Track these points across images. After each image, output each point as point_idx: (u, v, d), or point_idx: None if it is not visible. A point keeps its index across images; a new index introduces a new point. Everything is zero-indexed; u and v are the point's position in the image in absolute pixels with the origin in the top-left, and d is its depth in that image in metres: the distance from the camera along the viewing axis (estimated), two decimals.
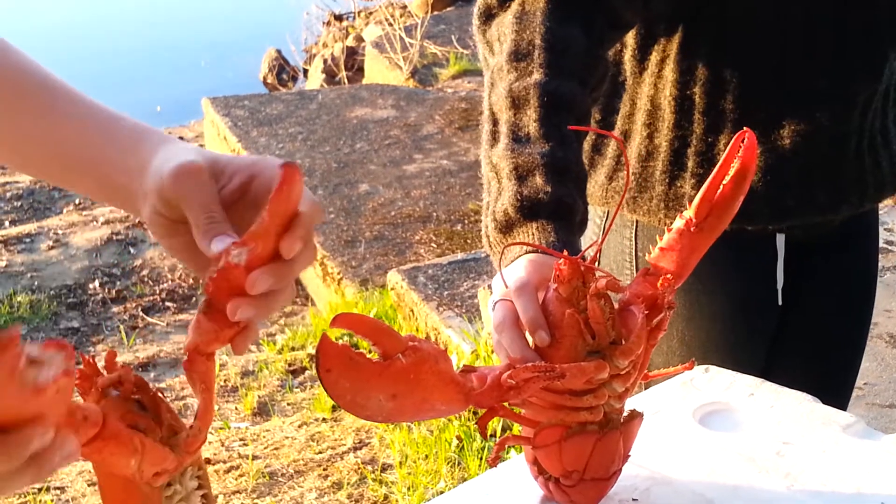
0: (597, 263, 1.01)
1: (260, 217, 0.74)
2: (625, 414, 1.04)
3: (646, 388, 1.32)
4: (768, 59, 1.36)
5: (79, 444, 0.68)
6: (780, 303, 1.50)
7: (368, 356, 0.88)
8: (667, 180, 1.42)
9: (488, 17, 1.29)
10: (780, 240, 1.45)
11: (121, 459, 0.77)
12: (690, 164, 1.40)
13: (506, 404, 0.97)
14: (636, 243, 1.48)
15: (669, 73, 1.39)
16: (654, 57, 1.40)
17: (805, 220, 1.44)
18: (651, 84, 1.41)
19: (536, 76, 1.19)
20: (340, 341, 0.85)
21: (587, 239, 1.36)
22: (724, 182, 1.02)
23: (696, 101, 1.38)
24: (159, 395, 0.82)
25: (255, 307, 0.76)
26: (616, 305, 1.00)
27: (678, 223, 1.03)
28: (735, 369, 1.32)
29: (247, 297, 0.76)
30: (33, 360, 0.59)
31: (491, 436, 2.91)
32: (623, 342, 0.97)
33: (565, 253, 0.99)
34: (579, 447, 1.01)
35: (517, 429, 1.07)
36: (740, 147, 1.00)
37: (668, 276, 1.00)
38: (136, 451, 0.77)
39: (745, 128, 1.01)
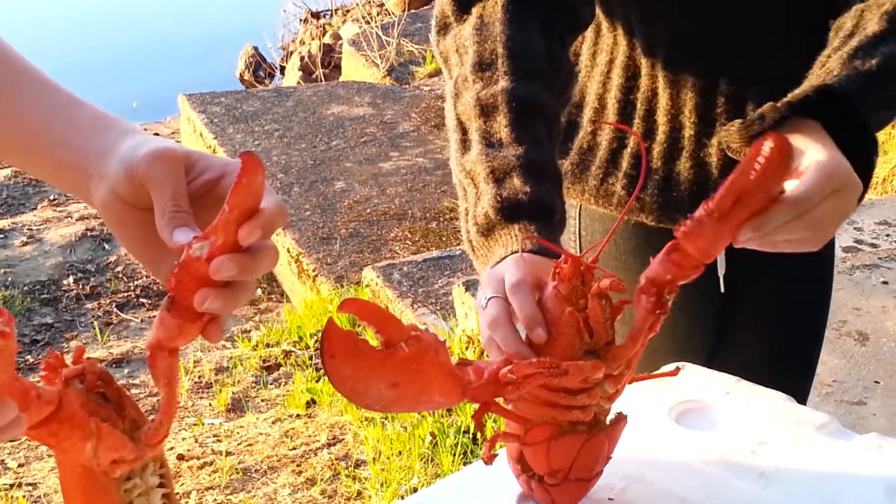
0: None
1: (221, 210, 0.74)
2: (611, 416, 1.04)
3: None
4: (697, 78, 1.39)
5: (23, 417, 0.68)
6: (722, 290, 1.52)
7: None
8: (600, 176, 1.47)
9: (444, 28, 1.31)
10: None
11: (77, 443, 0.77)
12: (625, 164, 1.45)
13: (498, 400, 0.97)
14: (580, 222, 1.54)
15: (616, 76, 1.44)
16: (603, 57, 1.45)
17: None
18: (600, 83, 1.47)
19: (503, 83, 1.20)
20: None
21: (564, 234, 1.38)
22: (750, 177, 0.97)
23: (637, 107, 1.44)
24: (123, 389, 0.82)
25: (222, 298, 0.77)
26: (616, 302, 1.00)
27: (700, 212, 0.98)
28: (681, 357, 1.33)
29: (213, 288, 0.76)
30: None
31: (464, 432, 2.92)
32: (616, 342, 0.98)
33: (565, 250, 0.99)
34: (567, 447, 1.01)
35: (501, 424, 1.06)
36: (763, 147, 0.96)
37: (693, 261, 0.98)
38: (92, 435, 0.77)
39: (773, 135, 0.97)
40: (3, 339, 0.62)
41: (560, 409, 0.99)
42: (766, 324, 1.58)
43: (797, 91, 1.14)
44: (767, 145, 0.96)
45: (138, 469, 0.83)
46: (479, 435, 2.77)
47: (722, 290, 1.52)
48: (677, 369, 1.11)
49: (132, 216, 0.82)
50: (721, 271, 1.50)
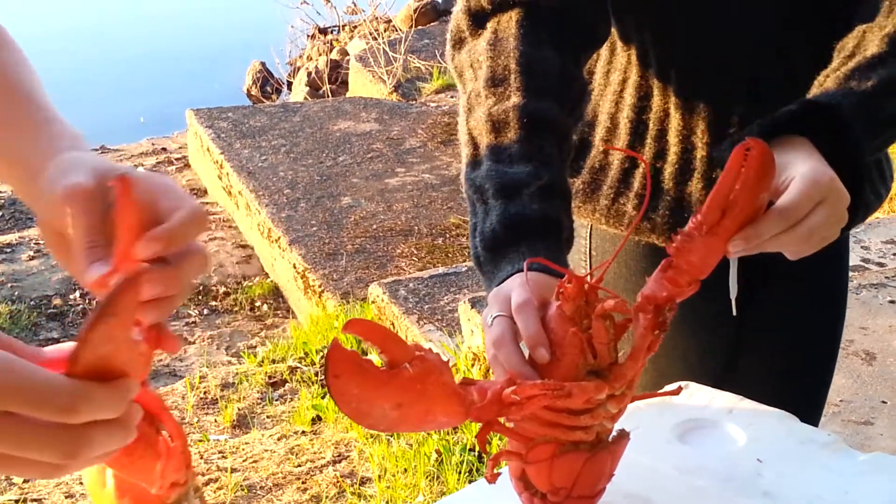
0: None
1: (117, 237, 0.76)
2: (614, 434, 1.04)
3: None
4: (710, 100, 1.38)
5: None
6: (734, 313, 1.51)
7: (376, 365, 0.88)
8: (612, 196, 1.46)
9: (459, 43, 1.31)
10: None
11: (147, 462, 0.78)
12: (636, 185, 1.44)
13: (501, 419, 0.97)
14: (590, 242, 1.54)
15: (628, 96, 1.43)
16: (616, 76, 1.45)
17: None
18: (613, 102, 1.46)
19: (515, 99, 1.20)
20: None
21: (574, 254, 1.38)
22: (736, 187, 1.00)
23: (650, 127, 1.43)
24: (169, 412, 0.83)
25: (156, 308, 0.78)
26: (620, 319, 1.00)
27: (687, 228, 1.01)
28: (693, 380, 1.33)
29: (143, 306, 0.77)
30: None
31: (470, 450, 2.91)
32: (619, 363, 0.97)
33: (569, 270, 0.99)
34: (570, 465, 1.01)
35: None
36: (745, 156, 0.99)
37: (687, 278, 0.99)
38: (161, 455, 0.79)
39: (748, 139, 1.00)
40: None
41: (563, 429, 0.99)
42: (779, 348, 1.56)
43: (785, 109, 1.14)
44: (746, 150, 0.98)
45: (185, 494, 0.85)
46: (484, 453, 2.77)
47: (734, 313, 1.51)
48: (679, 389, 1.11)
49: (65, 242, 0.82)
50: (733, 295, 1.49)
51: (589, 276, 1.00)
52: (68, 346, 0.73)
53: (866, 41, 1.22)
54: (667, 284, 0.99)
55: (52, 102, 0.95)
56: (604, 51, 1.45)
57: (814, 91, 1.21)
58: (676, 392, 1.11)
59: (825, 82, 1.20)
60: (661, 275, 1.00)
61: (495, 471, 1.01)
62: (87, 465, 0.68)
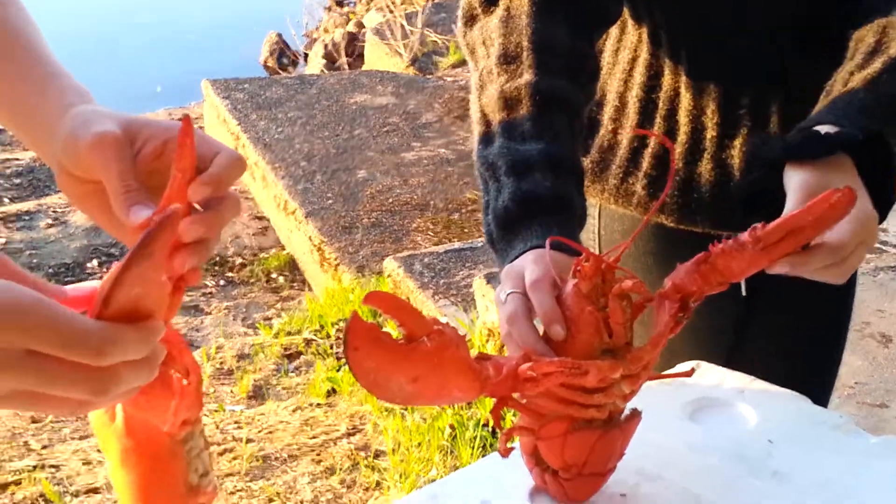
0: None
1: (171, 177, 0.78)
2: (626, 413, 1.05)
3: None
4: (720, 80, 1.39)
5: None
6: (744, 293, 1.52)
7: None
8: (620, 175, 1.47)
9: (471, 20, 1.32)
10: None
11: (162, 401, 0.80)
12: (645, 164, 1.45)
13: (515, 395, 0.98)
14: (599, 221, 1.54)
15: (638, 75, 1.43)
16: (626, 55, 1.45)
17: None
18: (622, 81, 1.46)
19: (527, 77, 1.20)
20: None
21: (583, 233, 1.39)
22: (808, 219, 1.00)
23: (659, 107, 1.43)
24: (188, 347, 0.85)
25: (196, 254, 0.80)
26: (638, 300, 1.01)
27: (742, 237, 1.01)
28: (701, 358, 1.34)
29: (186, 248, 0.79)
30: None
31: (483, 425, 2.94)
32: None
33: (586, 249, 1.00)
34: (582, 442, 1.02)
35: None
36: (833, 197, 0.99)
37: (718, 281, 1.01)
38: (175, 393, 0.80)
39: (847, 187, 0.99)
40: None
41: (576, 406, 0.99)
42: (787, 327, 1.57)
43: (827, 117, 1.14)
44: (837, 196, 0.98)
45: (191, 432, 0.86)
46: (498, 428, 2.78)
47: (744, 293, 1.51)
48: (692, 370, 1.12)
49: (89, 191, 0.84)
50: None
51: (606, 256, 1.00)
52: (90, 284, 0.75)
53: (889, 38, 1.22)
54: (698, 279, 1.00)
55: (56, 59, 0.96)
56: (613, 29, 1.45)
57: (837, 87, 1.20)
58: (689, 373, 1.11)
59: (851, 80, 1.20)
60: (694, 267, 1.00)
61: (508, 445, 1.01)
62: (113, 402, 0.70)
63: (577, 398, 0.98)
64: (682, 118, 1.41)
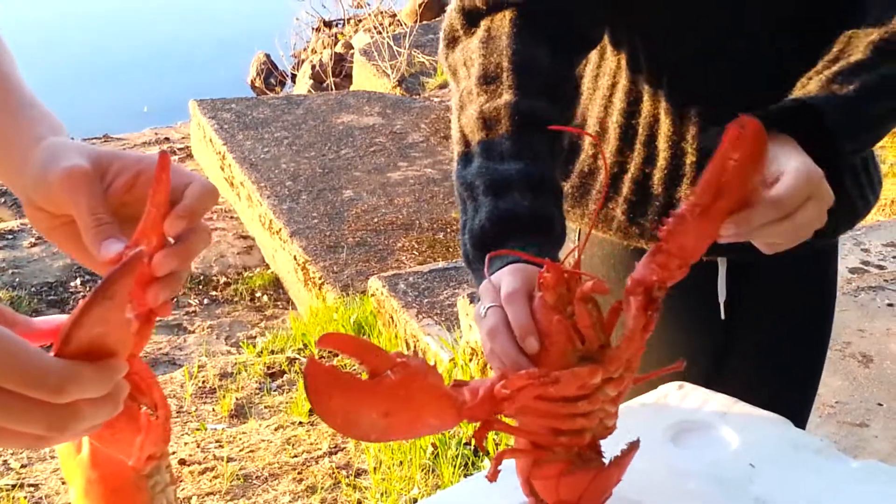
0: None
1: (146, 211, 0.78)
2: (623, 447, 1.03)
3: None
4: (700, 106, 1.38)
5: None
6: (723, 317, 1.51)
7: (358, 376, 0.88)
8: (600, 200, 1.46)
9: (453, 42, 1.32)
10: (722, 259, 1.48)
11: (128, 435, 0.80)
12: (625, 190, 1.44)
13: (501, 417, 0.97)
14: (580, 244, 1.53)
15: (617, 101, 1.43)
16: (606, 81, 1.44)
17: (735, 256, 1.46)
18: (602, 106, 1.45)
19: (507, 97, 1.20)
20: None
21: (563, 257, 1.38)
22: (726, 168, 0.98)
23: (639, 133, 1.42)
24: (157, 384, 0.84)
25: (169, 287, 0.81)
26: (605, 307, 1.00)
27: (680, 210, 0.99)
28: (682, 380, 1.33)
29: (159, 283, 0.80)
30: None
31: (465, 444, 2.93)
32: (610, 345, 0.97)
33: (547, 260, 0.98)
34: (577, 482, 1.01)
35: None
36: (739, 134, 0.98)
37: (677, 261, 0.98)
38: (142, 429, 0.80)
39: (742, 115, 0.99)
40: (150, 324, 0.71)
41: (562, 418, 0.98)
42: (766, 350, 1.56)
43: (772, 106, 1.15)
44: (741, 126, 0.97)
45: (156, 467, 0.86)
46: (482, 452, 2.78)
47: (723, 317, 1.51)
48: (682, 362, 1.08)
49: (59, 223, 0.84)
50: (721, 298, 1.49)
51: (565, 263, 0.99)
52: (59, 318, 0.74)
53: (851, 46, 1.23)
54: (656, 268, 0.98)
55: (28, 88, 0.95)
56: (593, 55, 1.45)
57: (797, 92, 1.21)
58: (679, 366, 1.08)
59: (808, 84, 1.20)
60: (650, 259, 0.99)
61: (497, 469, 0.99)
62: (72, 438, 0.69)
63: (560, 409, 0.97)
64: (662, 143, 1.41)
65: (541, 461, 1.01)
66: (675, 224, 0.98)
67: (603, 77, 1.44)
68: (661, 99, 1.39)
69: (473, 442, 2.78)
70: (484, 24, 1.27)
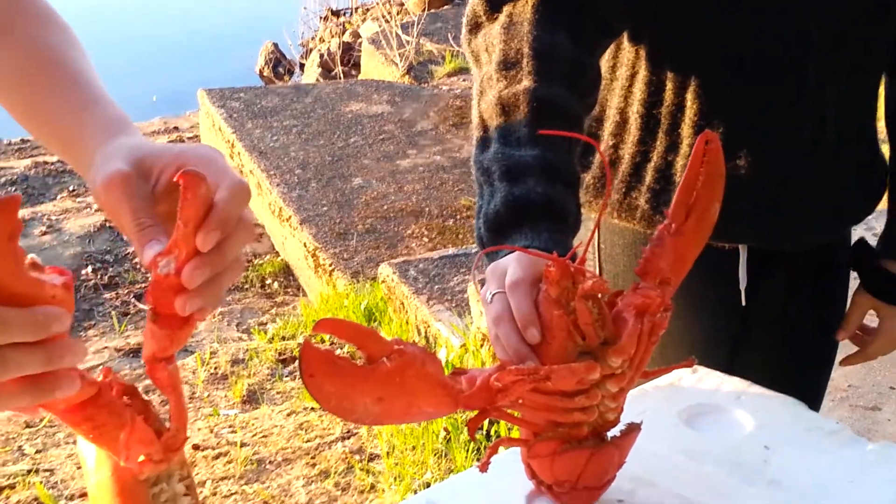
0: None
1: (176, 226, 0.77)
2: (622, 427, 1.03)
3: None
4: (724, 91, 1.38)
5: (83, 377, 0.73)
6: (743, 303, 1.52)
7: (354, 360, 0.88)
8: (623, 190, 1.46)
9: (476, 27, 1.31)
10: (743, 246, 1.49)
11: (111, 431, 0.79)
12: (648, 178, 1.44)
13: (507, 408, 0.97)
14: (598, 235, 1.53)
15: (637, 91, 1.42)
16: (624, 71, 1.43)
17: (757, 244, 1.47)
18: (621, 97, 1.45)
19: (526, 83, 1.20)
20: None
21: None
22: (698, 186, 1.02)
23: (661, 122, 1.41)
24: (148, 401, 0.84)
25: (201, 296, 0.79)
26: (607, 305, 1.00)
27: (658, 230, 1.03)
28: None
29: (190, 292, 0.78)
30: (35, 263, 0.68)
31: (478, 429, 2.94)
32: (615, 342, 0.97)
33: (554, 254, 0.98)
34: (572, 461, 1.01)
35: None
36: (704, 150, 1.00)
37: (658, 280, 1.00)
38: (126, 425, 0.79)
39: (705, 130, 1.02)
40: (66, 289, 0.69)
41: (559, 411, 0.98)
42: (783, 336, 1.57)
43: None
44: (703, 148, 1.00)
45: (164, 475, 0.85)
46: (492, 431, 2.79)
47: (743, 303, 1.51)
48: (692, 361, 1.10)
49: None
50: (742, 285, 1.49)
51: (577, 256, 0.99)
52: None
53: None
54: (639, 296, 0.99)
55: (99, 82, 0.97)
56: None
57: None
58: (690, 363, 1.10)
59: None
60: (634, 286, 1.01)
61: (489, 459, 1.00)
62: (3, 390, 0.69)
63: (558, 403, 0.97)
64: (686, 130, 1.40)
65: (534, 441, 1.01)
66: (656, 247, 1.01)
67: (621, 67, 1.44)
68: (686, 87, 1.38)
69: (486, 426, 2.79)
70: (506, 9, 1.27)
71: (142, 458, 0.82)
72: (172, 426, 0.83)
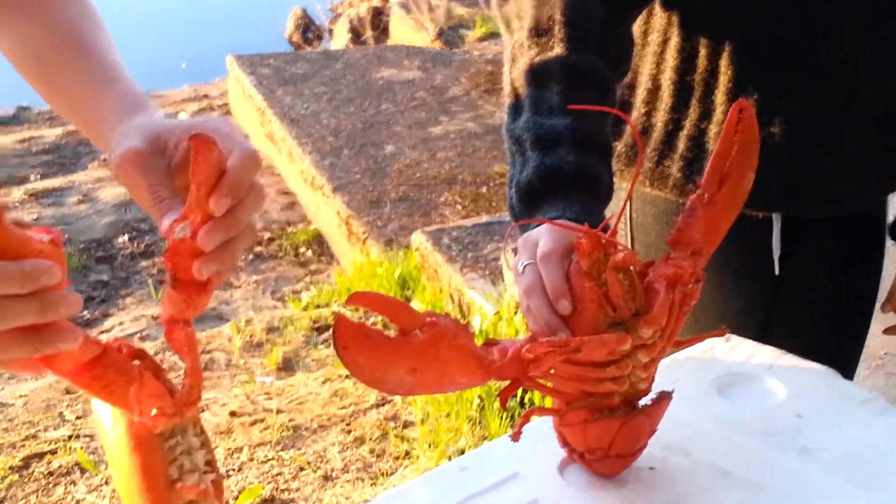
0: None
1: (190, 190, 0.80)
2: (653, 395, 1.04)
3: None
4: (758, 57, 1.37)
5: (79, 332, 0.75)
6: (776, 272, 1.51)
7: (386, 332, 0.89)
8: (655, 158, 1.45)
9: None
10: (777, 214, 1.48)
11: (121, 387, 0.81)
12: (681, 146, 1.43)
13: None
14: (631, 204, 1.53)
15: (670, 57, 1.42)
16: (656, 38, 1.43)
17: (792, 211, 1.47)
18: (654, 63, 1.44)
19: (557, 50, 1.20)
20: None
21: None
22: (732, 154, 1.02)
23: (694, 89, 1.41)
24: (158, 363, 0.86)
25: (218, 261, 0.82)
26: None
27: (690, 200, 1.03)
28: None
29: (206, 255, 0.81)
30: (20, 221, 0.70)
31: (512, 396, 2.95)
32: (646, 313, 0.97)
33: (585, 226, 0.99)
34: (604, 429, 1.02)
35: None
36: (738, 118, 1.00)
37: (690, 251, 1.01)
38: (135, 380, 0.82)
39: (739, 98, 1.02)
40: (54, 245, 0.72)
41: (591, 381, 0.99)
42: (817, 305, 1.56)
43: None
44: (736, 115, 0.99)
45: (179, 429, 0.87)
46: (526, 400, 2.81)
47: (777, 272, 1.51)
48: (724, 330, 1.10)
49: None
50: (776, 254, 1.49)
51: (608, 227, 1.00)
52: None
53: None
54: (673, 267, 0.99)
55: (117, 57, 0.99)
56: None
57: None
58: (721, 333, 1.10)
59: None
60: (665, 256, 1.01)
61: (521, 429, 1.01)
62: (3, 341, 0.72)
63: (590, 374, 0.98)
64: (720, 97, 1.39)
65: (566, 410, 1.02)
66: (688, 218, 1.01)
67: (653, 34, 1.43)
68: (720, 53, 1.37)
69: (521, 393, 2.81)
70: None
71: (154, 411, 0.84)
72: (186, 383, 0.86)
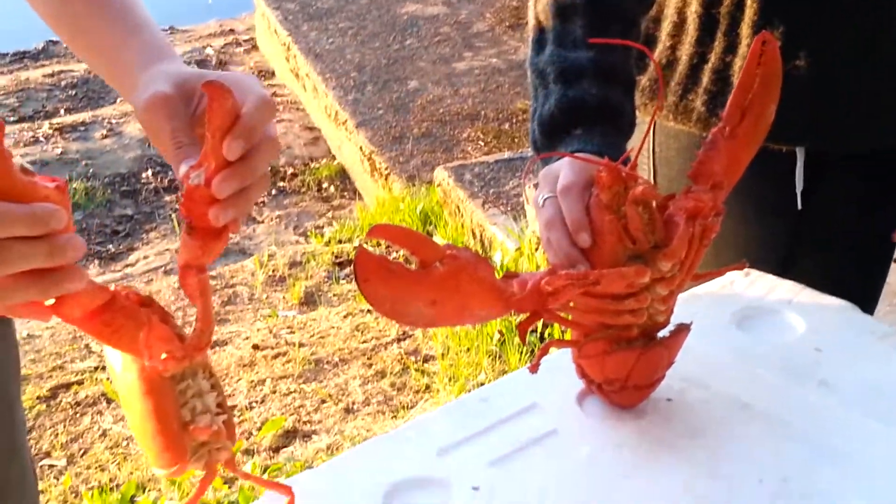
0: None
1: (205, 138, 0.80)
2: (671, 328, 1.04)
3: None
4: None
5: (84, 273, 0.76)
6: (799, 207, 1.51)
7: (406, 265, 0.90)
8: (680, 92, 1.44)
9: None
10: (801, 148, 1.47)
11: (130, 332, 0.83)
12: (705, 80, 1.42)
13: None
14: (654, 138, 1.52)
15: None
16: None
17: (815, 145, 1.45)
18: None
19: None
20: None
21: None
22: (755, 87, 1.01)
23: (719, 22, 1.39)
24: (166, 310, 0.87)
25: (233, 207, 0.83)
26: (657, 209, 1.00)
27: (712, 133, 1.02)
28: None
29: (221, 203, 0.82)
30: (25, 168, 0.72)
31: (532, 331, 2.97)
32: (666, 246, 0.97)
33: (605, 159, 0.99)
34: (622, 361, 1.02)
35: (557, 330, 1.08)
36: (761, 51, 1.00)
37: (711, 184, 1.00)
38: (144, 325, 0.83)
39: (763, 30, 1.01)
40: (60, 191, 0.73)
41: (609, 314, 1.00)
42: (839, 240, 1.55)
43: None
44: (763, 43, 0.98)
45: (189, 372, 0.88)
46: (546, 334, 2.82)
47: (799, 206, 1.50)
48: (744, 264, 1.10)
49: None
50: (799, 188, 1.48)
51: (628, 160, 1.00)
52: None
53: None
54: (693, 200, 0.99)
55: (141, 5, 0.99)
56: None
57: None
58: (741, 266, 1.10)
59: None
60: (686, 189, 1.01)
61: (539, 361, 1.02)
62: (11, 283, 0.73)
63: (608, 306, 0.99)
64: (745, 30, 1.38)
65: (584, 341, 1.03)
66: (709, 150, 1.01)
67: None
68: None
69: (540, 328, 2.82)
70: None
71: (164, 356, 0.85)
72: (197, 327, 0.87)
